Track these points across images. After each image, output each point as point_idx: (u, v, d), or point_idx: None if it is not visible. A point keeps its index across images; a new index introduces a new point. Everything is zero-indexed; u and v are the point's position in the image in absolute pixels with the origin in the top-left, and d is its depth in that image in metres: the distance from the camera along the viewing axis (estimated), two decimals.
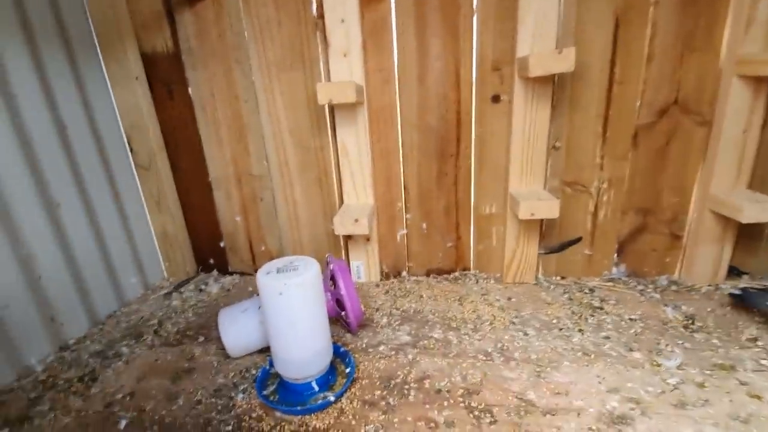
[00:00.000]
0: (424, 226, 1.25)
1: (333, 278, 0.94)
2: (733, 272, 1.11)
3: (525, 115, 1.02)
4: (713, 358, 0.83)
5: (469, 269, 1.29)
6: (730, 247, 1.06)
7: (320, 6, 1.05)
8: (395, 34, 1.07)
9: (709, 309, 1.00)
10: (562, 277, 1.22)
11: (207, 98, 1.21)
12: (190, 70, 1.19)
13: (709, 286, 1.10)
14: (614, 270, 1.19)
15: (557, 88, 1.03)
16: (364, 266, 1.28)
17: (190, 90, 1.22)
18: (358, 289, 1.23)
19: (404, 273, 1.31)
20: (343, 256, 1.31)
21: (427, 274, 1.31)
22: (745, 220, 0.92)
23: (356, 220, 1.08)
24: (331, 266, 0.94)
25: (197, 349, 1.00)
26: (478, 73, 1.07)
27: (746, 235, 1.07)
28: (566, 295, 1.12)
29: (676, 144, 1.04)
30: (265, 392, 0.82)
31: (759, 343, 0.87)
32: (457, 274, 1.29)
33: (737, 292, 1.00)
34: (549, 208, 0.98)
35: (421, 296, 1.18)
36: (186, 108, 1.24)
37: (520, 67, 0.97)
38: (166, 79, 1.22)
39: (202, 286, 1.34)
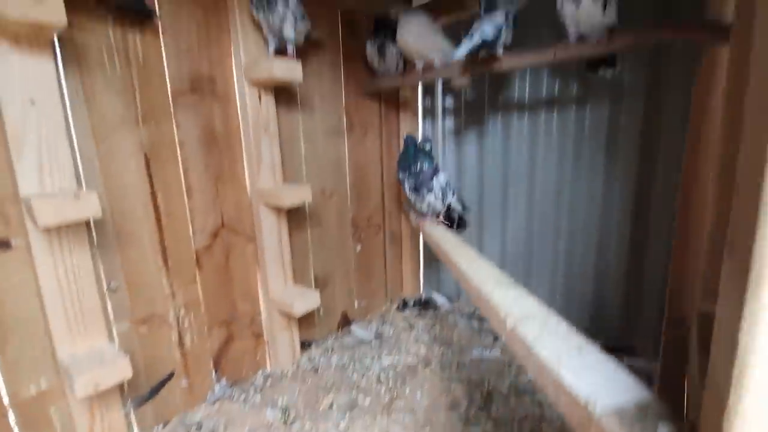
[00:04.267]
0: None
1: None
2: (304, 345, 1.36)
3: (54, 262, 0.80)
4: None
5: None
6: (297, 328, 1.29)
7: None
8: None
9: (297, 391, 1.16)
10: (166, 423, 1.05)
11: None
12: None
13: (293, 365, 1.28)
14: (217, 388, 1.15)
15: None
16: None
17: None
18: None
19: None
20: None
21: None
22: (298, 315, 1.13)
23: None
24: None
25: None
26: None
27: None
28: None
29: (234, 259, 1.15)
30: None
31: (333, 406, 1.08)
32: None
33: None
34: (119, 371, 0.80)
35: None
36: None
37: (28, 210, 0.74)
38: None
39: None
